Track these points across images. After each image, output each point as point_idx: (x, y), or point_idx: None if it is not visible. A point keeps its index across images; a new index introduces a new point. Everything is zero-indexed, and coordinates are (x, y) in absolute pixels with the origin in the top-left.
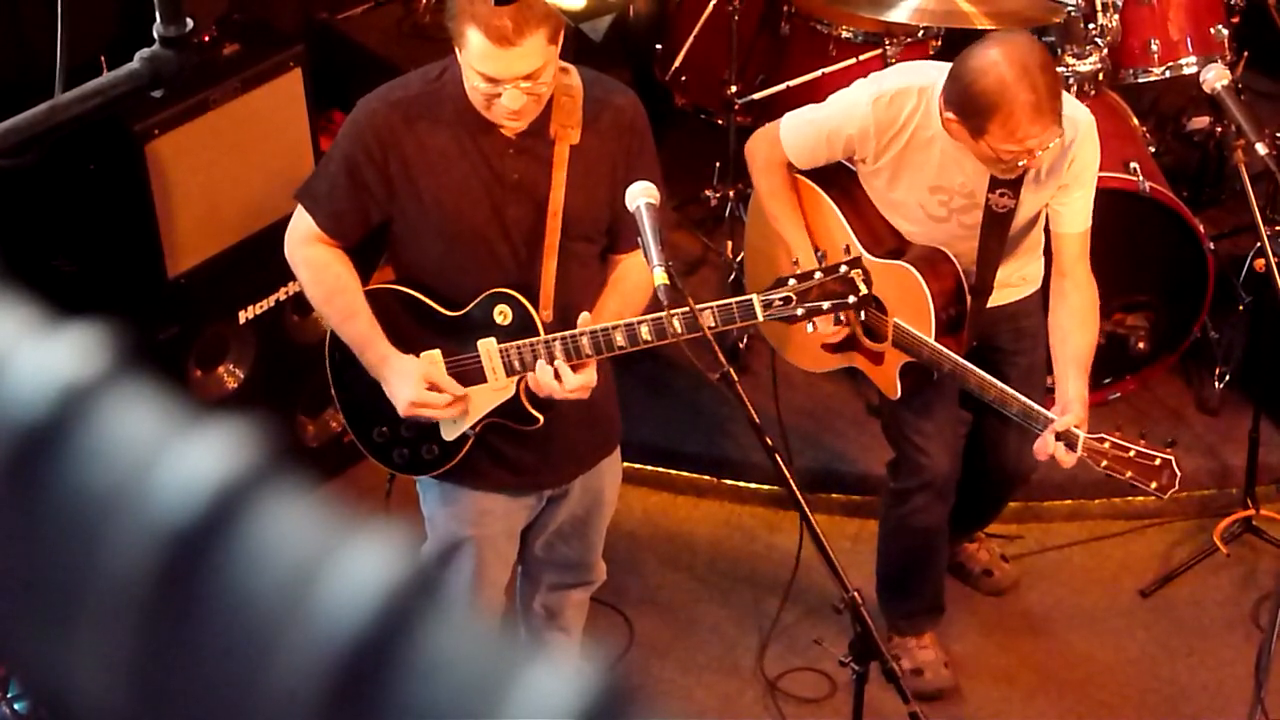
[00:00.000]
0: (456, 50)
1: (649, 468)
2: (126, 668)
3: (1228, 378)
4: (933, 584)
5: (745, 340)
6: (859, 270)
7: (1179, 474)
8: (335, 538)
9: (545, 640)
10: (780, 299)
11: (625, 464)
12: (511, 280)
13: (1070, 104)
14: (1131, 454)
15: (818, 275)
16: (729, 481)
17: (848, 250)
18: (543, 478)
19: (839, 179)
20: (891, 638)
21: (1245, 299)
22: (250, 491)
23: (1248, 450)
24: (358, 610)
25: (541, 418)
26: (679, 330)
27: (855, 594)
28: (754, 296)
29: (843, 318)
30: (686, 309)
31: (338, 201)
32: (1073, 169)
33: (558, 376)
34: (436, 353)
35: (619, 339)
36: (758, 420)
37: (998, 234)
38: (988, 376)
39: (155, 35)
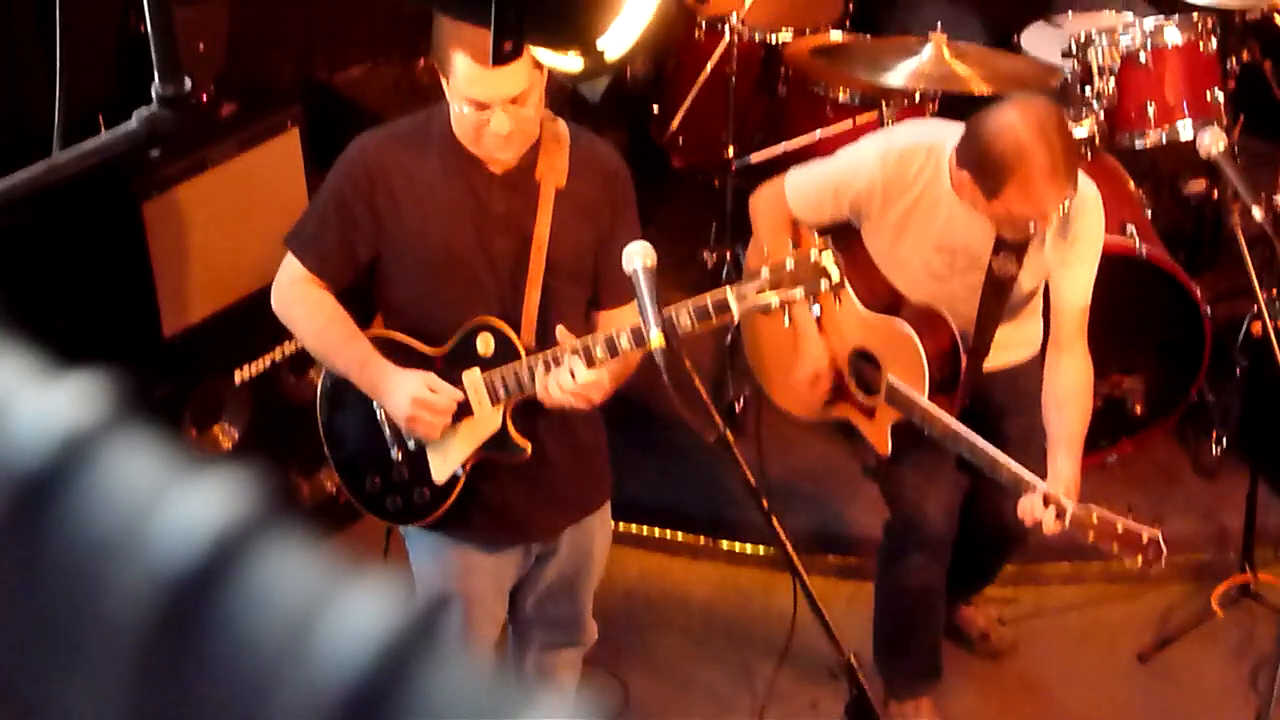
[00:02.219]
0: (444, 82)
1: (644, 529)
2: (127, 713)
3: (1225, 441)
4: (929, 645)
5: (741, 401)
6: (830, 253)
7: (1165, 550)
8: (334, 584)
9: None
10: (753, 289)
11: (621, 524)
12: (495, 312)
13: (1079, 179)
14: (1119, 528)
15: (790, 263)
16: (725, 543)
17: (818, 236)
18: (530, 529)
19: (839, 233)
20: (889, 703)
21: (1242, 363)
22: (250, 538)
23: (1245, 514)
24: (357, 655)
25: (529, 446)
26: (654, 343)
27: (851, 657)
28: (727, 289)
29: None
30: (666, 314)
31: (327, 241)
32: (1077, 245)
33: (572, 374)
34: None
35: (599, 351)
36: (754, 482)
37: (999, 298)
38: (980, 441)
39: (153, 94)
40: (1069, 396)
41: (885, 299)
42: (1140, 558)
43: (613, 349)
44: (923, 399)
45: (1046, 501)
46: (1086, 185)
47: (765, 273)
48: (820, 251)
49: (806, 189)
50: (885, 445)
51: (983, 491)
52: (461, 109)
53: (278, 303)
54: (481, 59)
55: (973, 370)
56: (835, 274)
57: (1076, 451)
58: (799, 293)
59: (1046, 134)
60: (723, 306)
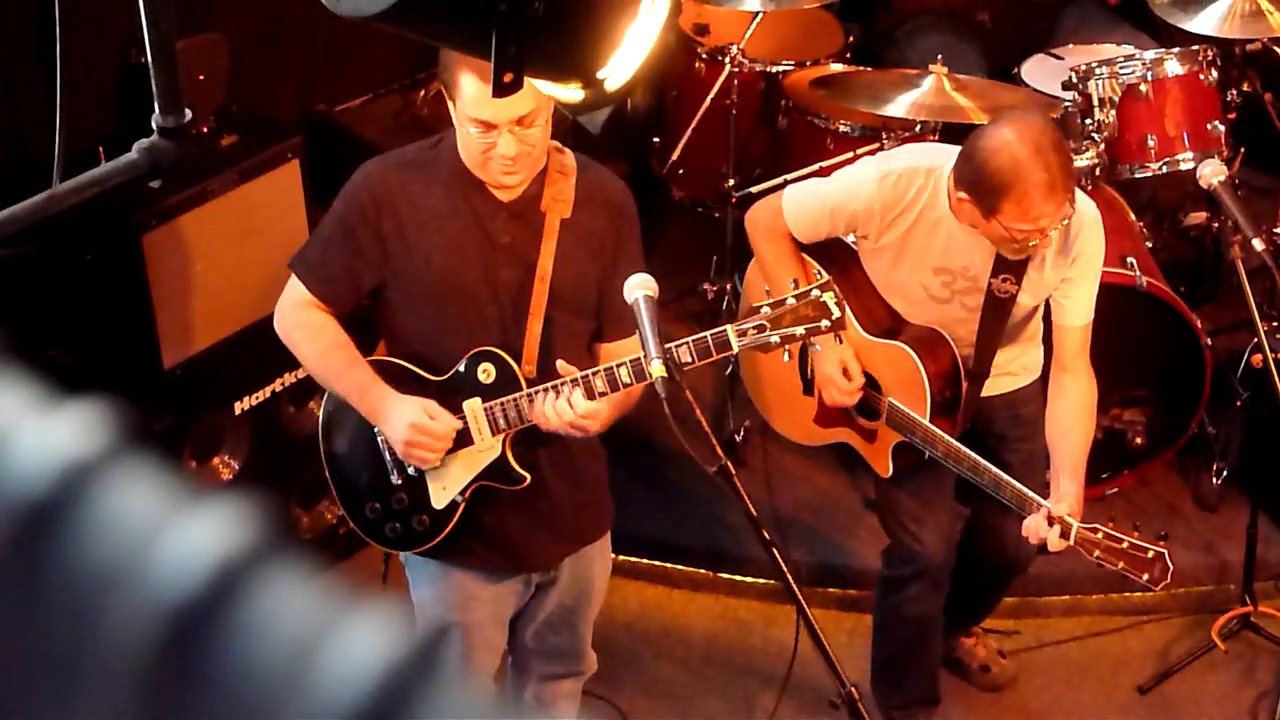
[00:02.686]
0: (450, 104)
1: (645, 561)
2: None
3: (1225, 473)
4: (927, 673)
5: (742, 433)
6: (832, 293)
7: (1171, 567)
8: (334, 614)
9: None
10: (754, 327)
11: (622, 557)
12: (496, 342)
13: (1078, 197)
14: (1124, 545)
15: (790, 301)
16: (725, 575)
17: (819, 274)
18: (530, 559)
19: (838, 256)
20: None
21: (1243, 394)
22: (250, 569)
23: (1246, 546)
24: (357, 685)
25: (528, 476)
26: (655, 374)
27: (852, 689)
28: (728, 327)
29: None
30: (667, 348)
31: (331, 266)
32: (1078, 263)
33: (570, 404)
34: None
35: (599, 384)
36: (754, 513)
37: (998, 319)
38: (981, 460)
39: (154, 126)
40: (1073, 416)
41: (885, 322)
42: (1146, 575)
43: (613, 382)
44: (924, 420)
45: (1051, 520)
46: (1086, 204)
47: (766, 310)
48: (821, 290)
49: (803, 208)
50: (886, 468)
51: (983, 521)
52: (468, 130)
53: (280, 325)
54: (488, 79)
55: (973, 391)
56: (836, 313)
57: (1080, 470)
58: (799, 331)
59: (1042, 150)
60: (723, 343)
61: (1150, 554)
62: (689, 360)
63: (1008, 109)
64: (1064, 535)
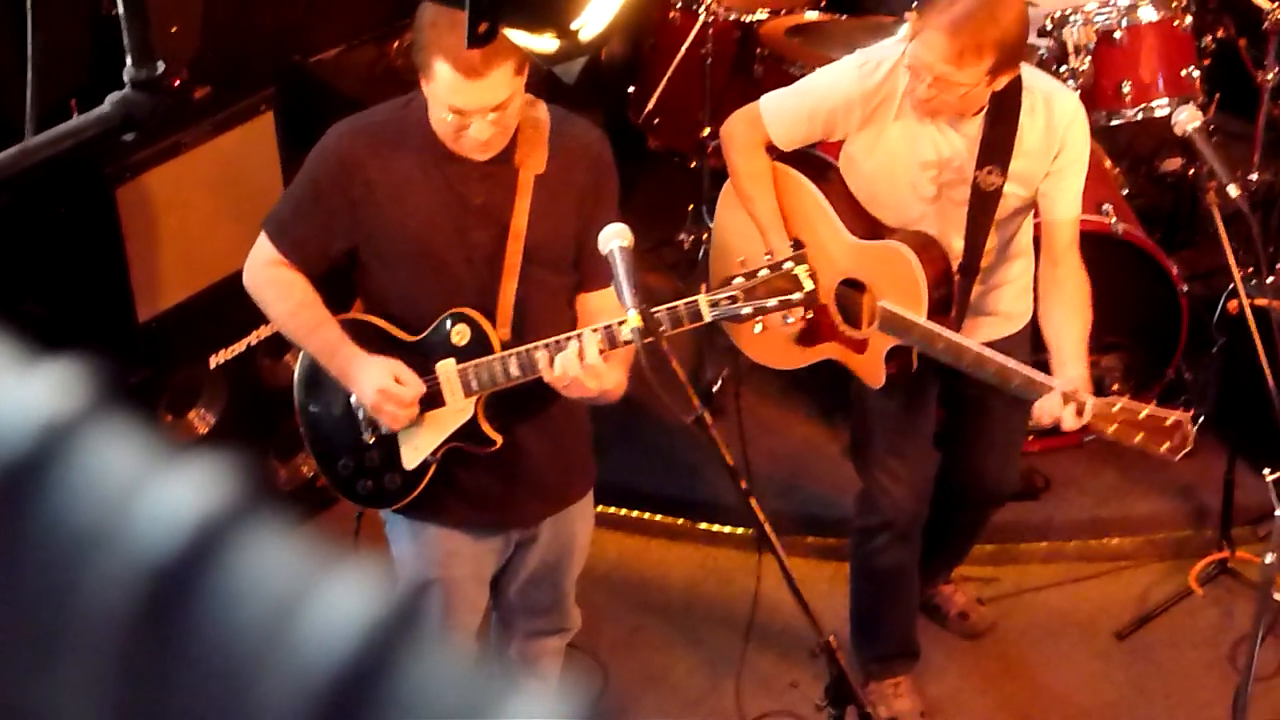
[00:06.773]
0: (423, 82)
1: (622, 511)
2: (108, 704)
3: (1202, 419)
4: (903, 625)
5: (719, 382)
6: (805, 265)
7: (1192, 431)
8: (316, 571)
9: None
10: (726, 298)
11: (599, 506)
12: (471, 303)
13: (1058, 88)
14: (1143, 415)
15: (763, 273)
16: (703, 525)
17: (796, 245)
18: (507, 516)
19: (816, 162)
20: (868, 684)
21: (1219, 340)
22: (230, 525)
23: (1223, 492)
24: (340, 643)
25: (499, 439)
26: (630, 338)
27: (830, 638)
28: (700, 297)
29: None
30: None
31: (301, 229)
32: (1063, 154)
33: (580, 356)
34: None
35: (543, 356)
36: (731, 462)
37: (986, 211)
38: (985, 350)
39: (126, 78)
40: (1071, 306)
41: (870, 226)
42: (1166, 444)
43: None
44: (921, 319)
45: (1066, 399)
46: (1069, 97)
47: (739, 280)
48: (795, 263)
49: (783, 109)
50: (879, 377)
51: (960, 456)
52: (441, 114)
53: (249, 281)
54: (465, 70)
55: (965, 285)
56: (808, 285)
57: (1083, 357)
58: (772, 302)
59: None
60: (695, 313)
61: (1170, 421)
62: (662, 328)
63: None
64: (1079, 413)
